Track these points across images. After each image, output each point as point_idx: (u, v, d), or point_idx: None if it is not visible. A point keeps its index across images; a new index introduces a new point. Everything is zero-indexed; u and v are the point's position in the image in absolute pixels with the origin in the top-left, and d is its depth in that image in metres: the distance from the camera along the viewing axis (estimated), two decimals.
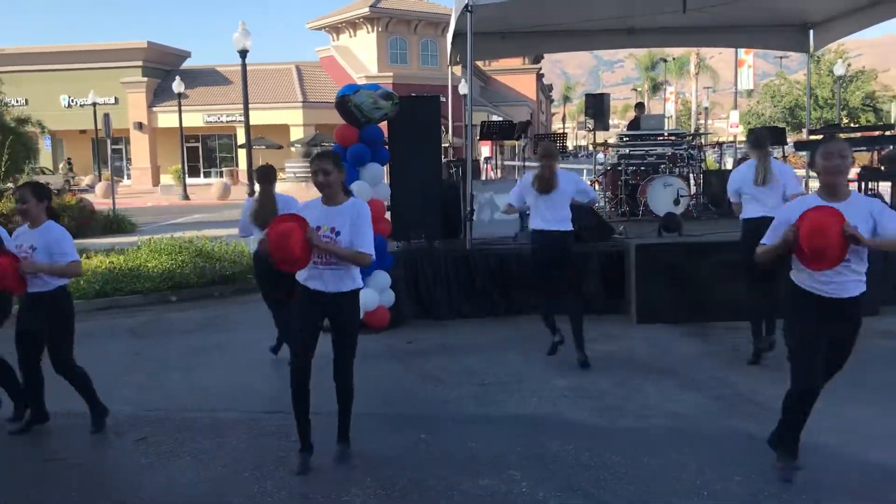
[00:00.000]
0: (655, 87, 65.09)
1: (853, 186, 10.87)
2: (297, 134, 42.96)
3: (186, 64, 49.97)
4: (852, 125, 34.51)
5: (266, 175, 6.73)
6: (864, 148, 11.50)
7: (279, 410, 5.29)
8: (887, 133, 11.82)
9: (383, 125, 8.02)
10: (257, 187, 6.82)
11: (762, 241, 4.13)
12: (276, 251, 4.25)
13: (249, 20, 20.78)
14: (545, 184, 6.35)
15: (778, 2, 11.56)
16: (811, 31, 13.76)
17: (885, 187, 12.23)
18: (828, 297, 3.92)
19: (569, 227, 6.45)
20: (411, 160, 8.40)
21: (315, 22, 48.64)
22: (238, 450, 4.83)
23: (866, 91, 50.47)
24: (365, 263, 4.38)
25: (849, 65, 49.71)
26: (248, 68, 19.81)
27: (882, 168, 11.06)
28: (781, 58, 41.18)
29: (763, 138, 6.58)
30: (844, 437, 4.60)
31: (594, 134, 14.50)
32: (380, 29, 44.39)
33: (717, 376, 6.12)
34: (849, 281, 3.90)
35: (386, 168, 8.32)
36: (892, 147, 11.08)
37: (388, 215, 8.45)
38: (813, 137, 13.06)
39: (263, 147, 37.80)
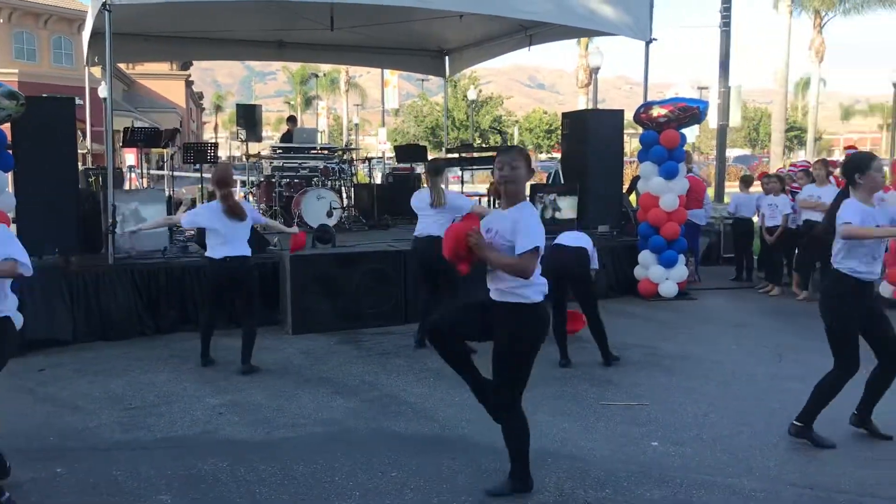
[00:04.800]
0: (308, 102, 66.15)
1: (485, 201, 12.15)
2: None
3: None
4: (483, 145, 38.29)
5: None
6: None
7: None
8: None
9: (6, 127, 7.17)
10: None
11: None
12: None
13: None
14: (236, 212, 6.53)
15: (417, 28, 12.47)
16: (447, 58, 15.13)
17: None
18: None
19: (248, 251, 6.70)
20: (41, 167, 7.62)
21: None
22: None
23: (494, 115, 56.45)
24: None
25: (480, 91, 55.30)
26: None
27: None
28: (423, 80, 44.41)
29: (440, 168, 7.45)
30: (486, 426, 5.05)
31: (247, 145, 14.35)
32: (1, 20, 39.55)
33: (369, 381, 6.40)
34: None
35: (10, 175, 7.43)
36: None
37: (13, 228, 7.54)
38: (450, 155, 14.31)
39: None
